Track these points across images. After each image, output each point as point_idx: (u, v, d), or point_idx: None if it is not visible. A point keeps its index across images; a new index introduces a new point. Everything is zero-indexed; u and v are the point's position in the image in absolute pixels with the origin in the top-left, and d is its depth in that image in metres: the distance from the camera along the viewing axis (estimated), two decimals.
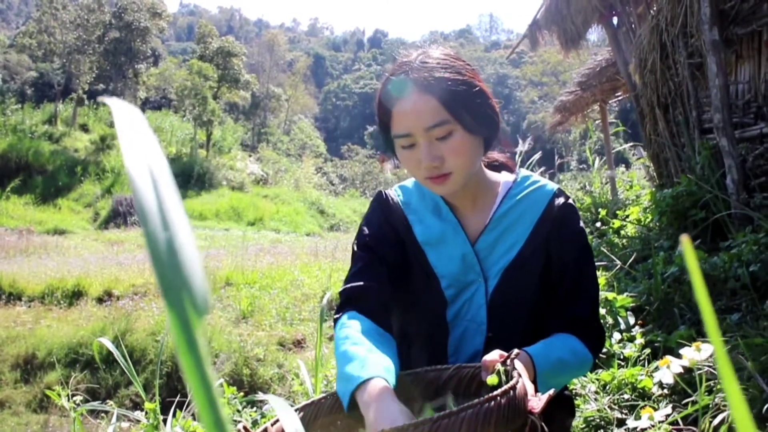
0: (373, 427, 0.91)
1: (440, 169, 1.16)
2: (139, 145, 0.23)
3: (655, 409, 1.63)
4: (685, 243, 0.24)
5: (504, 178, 1.32)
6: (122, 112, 0.25)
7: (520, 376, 0.85)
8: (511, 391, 0.79)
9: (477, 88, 1.18)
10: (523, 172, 1.34)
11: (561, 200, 1.27)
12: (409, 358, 1.23)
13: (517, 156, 4.74)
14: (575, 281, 1.23)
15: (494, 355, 0.97)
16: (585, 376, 2.18)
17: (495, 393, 0.77)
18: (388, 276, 1.24)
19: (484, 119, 1.18)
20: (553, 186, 1.30)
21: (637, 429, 1.55)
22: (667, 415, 1.56)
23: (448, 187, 1.19)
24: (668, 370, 1.33)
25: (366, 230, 1.31)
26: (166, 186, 0.22)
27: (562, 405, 1.29)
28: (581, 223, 1.28)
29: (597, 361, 2.22)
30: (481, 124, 1.17)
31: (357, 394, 0.97)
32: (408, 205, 1.33)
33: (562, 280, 1.23)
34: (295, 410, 1.03)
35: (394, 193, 1.36)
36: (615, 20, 5.79)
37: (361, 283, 1.22)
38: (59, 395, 2.34)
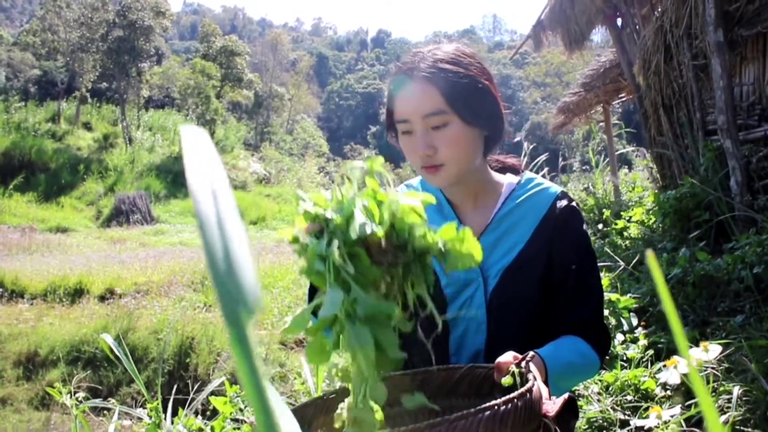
0: None
1: (433, 158, 1.17)
2: (202, 164, 0.26)
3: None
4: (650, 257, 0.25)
5: (508, 179, 1.33)
6: (189, 132, 0.29)
7: (535, 378, 0.85)
8: (528, 394, 0.79)
9: (481, 85, 1.18)
10: (528, 174, 1.34)
11: (564, 203, 1.27)
12: (411, 356, 1.22)
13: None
14: (579, 284, 1.23)
15: (508, 357, 0.97)
16: (591, 378, 2.17)
17: (512, 395, 0.77)
18: None
19: (485, 116, 1.19)
20: (556, 188, 1.29)
21: (644, 428, 1.54)
22: (673, 416, 1.56)
23: (441, 178, 1.19)
24: (675, 370, 1.33)
25: None
26: (224, 198, 0.25)
27: (566, 407, 1.28)
28: (585, 226, 1.28)
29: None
30: (480, 120, 1.18)
31: None
32: None
33: (565, 283, 1.23)
34: (298, 408, 1.03)
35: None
36: (619, 21, 5.79)
37: None
38: (61, 393, 2.34)
